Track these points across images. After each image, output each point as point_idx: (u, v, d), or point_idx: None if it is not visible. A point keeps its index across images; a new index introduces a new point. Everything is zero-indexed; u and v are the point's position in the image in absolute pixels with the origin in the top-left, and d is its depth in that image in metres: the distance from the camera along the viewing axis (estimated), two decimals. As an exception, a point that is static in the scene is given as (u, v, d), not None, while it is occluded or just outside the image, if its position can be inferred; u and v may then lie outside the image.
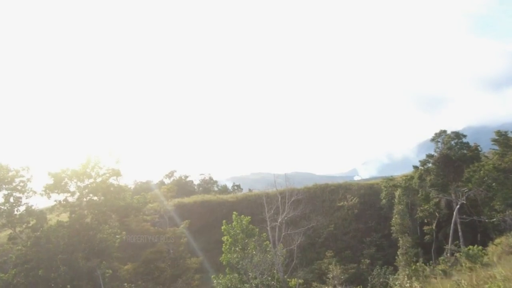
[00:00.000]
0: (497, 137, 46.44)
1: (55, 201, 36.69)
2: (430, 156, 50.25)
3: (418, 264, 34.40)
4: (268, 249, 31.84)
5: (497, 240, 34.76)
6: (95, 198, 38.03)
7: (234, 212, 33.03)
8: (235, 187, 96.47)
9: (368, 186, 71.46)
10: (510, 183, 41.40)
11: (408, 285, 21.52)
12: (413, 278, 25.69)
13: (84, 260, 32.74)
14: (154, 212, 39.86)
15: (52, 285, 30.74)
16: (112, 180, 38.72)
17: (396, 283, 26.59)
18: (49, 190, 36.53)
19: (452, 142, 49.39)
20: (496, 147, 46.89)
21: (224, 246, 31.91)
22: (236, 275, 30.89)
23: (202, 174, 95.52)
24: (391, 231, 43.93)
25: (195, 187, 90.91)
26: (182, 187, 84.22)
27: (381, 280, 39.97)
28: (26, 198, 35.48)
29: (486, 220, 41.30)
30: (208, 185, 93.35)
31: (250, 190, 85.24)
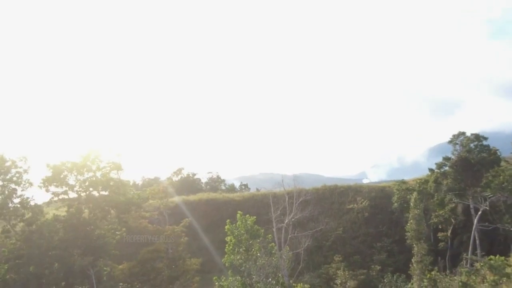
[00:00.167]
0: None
1: (53, 193, 35.32)
2: (447, 158, 47.75)
3: (433, 273, 32.21)
4: (273, 251, 30.32)
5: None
6: (95, 192, 36.57)
7: (239, 212, 31.40)
8: (243, 187, 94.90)
9: (379, 189, 68.85)
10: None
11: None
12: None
13: (80, 257, 31.15)
14: (153, 209, 38.12)
15: (44, 282, 29.16)
16: (113, 174, 37.30)
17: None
18: (47, 182, 35.22)
19: (472, 145, 46.87)
20: None
21: (227, 247, 30.49)
22: (238, 277, 29.23)
23: (209, 173, 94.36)
24: (405, 237, 41.65)
25: (203, 185, 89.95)
26: (190, 184, 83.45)
27: (393, 288, 37.86)
28: (22, 190, 34.20)
29: (511, 229, 38.73)
30: (215, 183, 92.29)
31: (257, 189, 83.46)
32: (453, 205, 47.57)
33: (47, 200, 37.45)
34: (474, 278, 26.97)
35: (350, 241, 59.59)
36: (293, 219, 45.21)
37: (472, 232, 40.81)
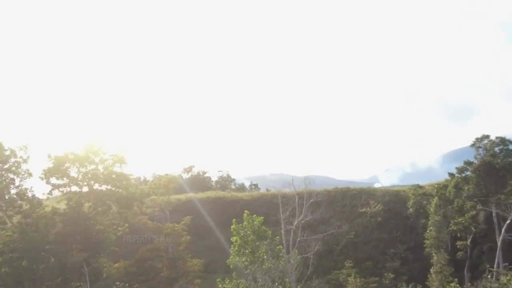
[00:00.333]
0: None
1: (53, 185, 34.04)
2: (469, 163, 45.06)
3: (453, 285, 29.84)
4: (281, 254, 28.71)
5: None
6: (96, 185, 35.21)
7: (246, 211, 29.83)
8: (253, 186, 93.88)
9: (393, 193, 66.48)
10: None
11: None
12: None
13: (76, 253, 29.66)
14: (154, 205, 36.45)
15: (38, 278, 27.71)
16: (116, 168, 35.87)
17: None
18: (49, 174, 34.01)
19: (496, 149, 44.14)
20: None
21: (232, 248, 29.10)
22: (243, 280, 27.54)
23: (220, 171, 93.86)
24: (422, 245, 39.20)
25: (213, 184, 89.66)
26: (200, 183, 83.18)
27: (408, 299, 35.44)
28: (21, 181, 32.93)
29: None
30: (225, 182, 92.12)
31: (267, 189, 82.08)
32: (474, 212, 44.86)
33: (48, 192, 36.18)
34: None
35: (362, 246, 57.32)
36: (302, 221, 43.27)
37: (499, 243, 38.02)
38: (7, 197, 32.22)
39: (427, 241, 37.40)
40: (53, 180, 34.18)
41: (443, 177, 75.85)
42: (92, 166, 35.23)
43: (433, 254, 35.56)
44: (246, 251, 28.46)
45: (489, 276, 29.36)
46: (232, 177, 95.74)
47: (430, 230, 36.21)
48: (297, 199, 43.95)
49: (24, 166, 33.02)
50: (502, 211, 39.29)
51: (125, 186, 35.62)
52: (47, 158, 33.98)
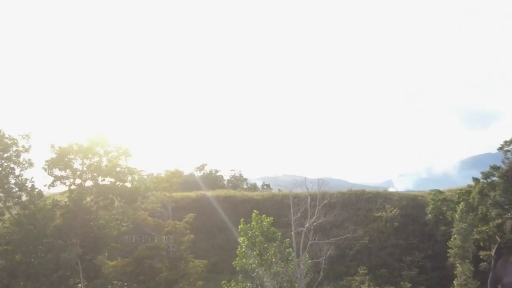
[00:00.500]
0: None
1: (55, 177, 32.84)
2: (495, 168, 42.24)
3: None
4: (290, 257, 26.66)
5: None
6: (99, 178, 33.85)
7: (254, 211, 28.02)
8: (265, 187, 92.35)
9: (410, 198, 63.72)
10: None
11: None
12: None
13: (73, 248, 28.26)
14: (156, 200, 34.86)
15: (32, 273, 26.40)
16: (121, 161, 34.49)
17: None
18: (52, 165, 32.88)
19: (527, 153, 41.13)
20: None
21: (239, 249, 27.46)
22: (249, 284, 25.69)
23: (232, 170, 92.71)
24: (441, 253, 36.63)
25: (225, 183, 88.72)
26: (212, 181, 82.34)
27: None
28: (21, 171, 31.79)
29: None
30: (237, 181, 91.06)
31: (279, 190, 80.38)
32: (500, 221, 41.98)
33: (50, 184, 35.00)
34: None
35: (376, 252, 54.82)
36: (314, 223, 41.22)
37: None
38: (6, 187, 31.12)
39: (450, 251, 34.75)
40: (56, 171, 33.00)
41: (460, 183, 72.36)
42: (96, 158, 33.95)
43: (457, 264, 32.95)
44: (254, 253, 26.70)
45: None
46: (245, 176, 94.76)
47: (455, 239, 33.63)
48: (309, 200, 41.92)
49: (25, 156, 31.94)
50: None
51: (130, 180, 34.24)
52: (50, 149, 32.85)
